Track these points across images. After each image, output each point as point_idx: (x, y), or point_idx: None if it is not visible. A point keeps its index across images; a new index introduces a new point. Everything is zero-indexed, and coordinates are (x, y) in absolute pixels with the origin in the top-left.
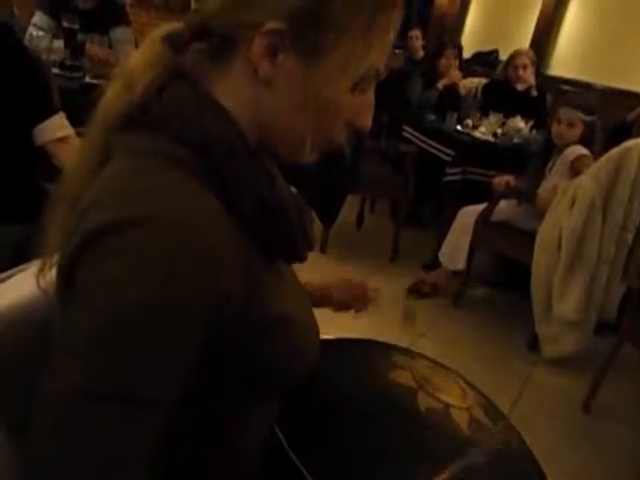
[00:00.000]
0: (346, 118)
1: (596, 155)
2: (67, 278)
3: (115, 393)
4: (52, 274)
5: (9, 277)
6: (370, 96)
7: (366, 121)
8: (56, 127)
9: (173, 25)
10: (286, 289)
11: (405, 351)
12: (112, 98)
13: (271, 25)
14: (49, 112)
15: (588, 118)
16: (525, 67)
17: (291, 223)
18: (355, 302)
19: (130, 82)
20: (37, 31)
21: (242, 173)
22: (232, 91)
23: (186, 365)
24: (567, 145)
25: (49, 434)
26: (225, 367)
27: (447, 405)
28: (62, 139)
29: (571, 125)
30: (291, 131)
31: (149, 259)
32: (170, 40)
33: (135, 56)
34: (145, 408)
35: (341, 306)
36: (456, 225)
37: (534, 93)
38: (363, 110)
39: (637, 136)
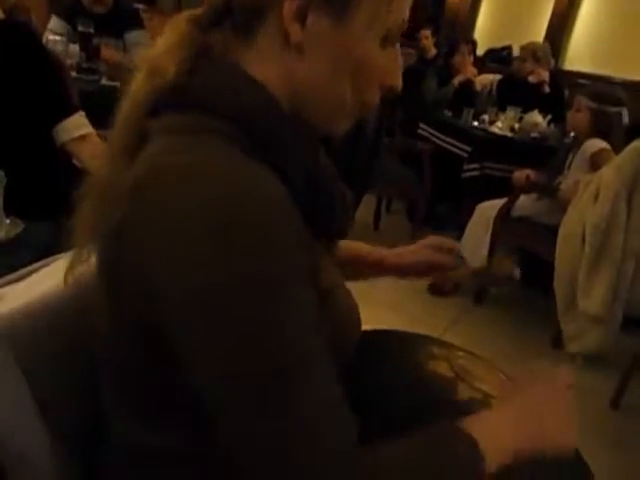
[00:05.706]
0: (378, 78)
1: (617, 148)
2: (132, 266)
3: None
4: (81, 268)
5: (30, 273)
6: (397, 51)
7: (397, 79)
8: (76, 126)
9: (196, 10)
10: (327, 266)
11: (441, 342)
12: (138, 87)
13: None
14: (69, 111)
15: (595, 105)
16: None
17: (334, 198)
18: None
19: (157, 67)
20: (53, 35)
21: (288, 147)
22: (262, 65)
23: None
24: (580, 134)
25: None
26: None
27: (486, 395)
28: (82, 137)
29: (577, 110)
30: (326, 96)
31: (252, 237)
32: (196, 21)
33: (158, 43)
34: (319, 355)
35: (417, 272)
36: (474, 220)
37: (546, 88)
38: (393, 67)
39: None
